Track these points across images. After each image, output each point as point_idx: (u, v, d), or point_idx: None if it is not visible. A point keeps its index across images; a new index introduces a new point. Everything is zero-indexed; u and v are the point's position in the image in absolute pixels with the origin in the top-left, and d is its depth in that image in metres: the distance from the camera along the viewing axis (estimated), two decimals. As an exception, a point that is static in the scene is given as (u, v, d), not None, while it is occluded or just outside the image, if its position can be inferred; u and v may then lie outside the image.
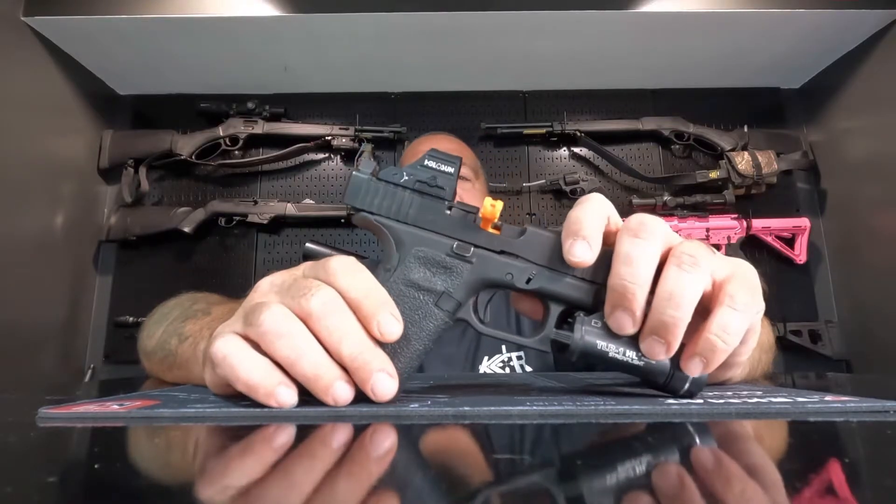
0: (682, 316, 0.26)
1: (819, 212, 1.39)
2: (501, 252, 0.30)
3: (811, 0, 1.12)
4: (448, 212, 0.30)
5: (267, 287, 0.29)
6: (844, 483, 0.15)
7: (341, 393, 0.25)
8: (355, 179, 0.30)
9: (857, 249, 1.26)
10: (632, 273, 0.27)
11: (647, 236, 0.27)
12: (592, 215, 0.29)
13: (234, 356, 0.26)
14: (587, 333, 0.28)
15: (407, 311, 0.28)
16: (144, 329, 0.53)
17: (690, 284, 0.26)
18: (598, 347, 0.28)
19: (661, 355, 0.27)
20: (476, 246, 0.30)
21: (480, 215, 0.30)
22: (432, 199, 0.30)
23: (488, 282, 0.30)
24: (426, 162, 0.30)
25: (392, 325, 0.26)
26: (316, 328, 0.26)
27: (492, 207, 0.29)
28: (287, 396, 0.25)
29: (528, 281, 0.29)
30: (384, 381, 0.25)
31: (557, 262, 0.29)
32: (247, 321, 0.26)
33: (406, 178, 0.30)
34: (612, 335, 0.28)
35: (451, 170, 0.30)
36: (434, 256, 0.29)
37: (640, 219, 0.28)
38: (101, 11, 1.12)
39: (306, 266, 0.29)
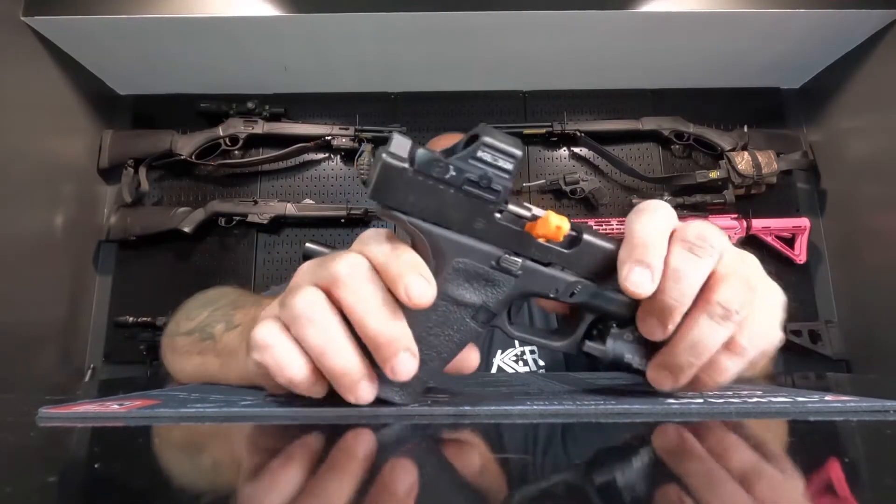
0: (699, 364, 0.26)
1: (819, 212, 1.39)
2: (549, 264, 0.27)
3: (811, 0, 1.12)
4: (498, 215, 0.25)
5: (307, 267, 0.28)
6: (844, 482, 0.15)
7: (364, 394, 0.25)
8: (388, 168, 0.23)
9: (857, 249, 1.26)
10: (679, 291, 0.25)
11: (703, 253, 0.25)
12: (658, 235, 0.26)
13: (275, 350, 0.25)
14: (618, 347, 0.28)
15: (438, 325, 0.26)
16: (183, 312, 0.50)
17: (716, 338, 0.26)
18: (626, 359, 0.28)
19: (666, 387, 0.27)
20: (525, 258, 0.26)
21: (540, 233, 0.25)
22: (482, 202, 0.25)
23: (531, 294, 0.27)
24: (479, 153, 0.24)
25: (422, 287, 0.23)
26: (341, 296, 0.24)
27: (556, 229, 0.25)
28: (320, 393, 0.25)
29: (572, 295, 0.27)
30: (406, 361, 0.24)
31: (606, 276, 0.27)
32: (282, 303, 0.26)
33: (453, 173, 0.24)
34: (639, 348, 0.28)
35: (509, 167, 0.24)
36: (477, 269, 0.26)
37: (699, 231, 0.26)
38: (101, 11, 1.12)
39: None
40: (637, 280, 0.25)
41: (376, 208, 0.25)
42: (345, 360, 0.24)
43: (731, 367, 0.26)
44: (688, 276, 0.25)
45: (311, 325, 0.24)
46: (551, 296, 0.27)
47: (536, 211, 0.26)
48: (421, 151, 0.24)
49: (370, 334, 0.24)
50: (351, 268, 0.25)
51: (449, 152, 0.25)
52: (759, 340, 0.27)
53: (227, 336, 0.39)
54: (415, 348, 0.24)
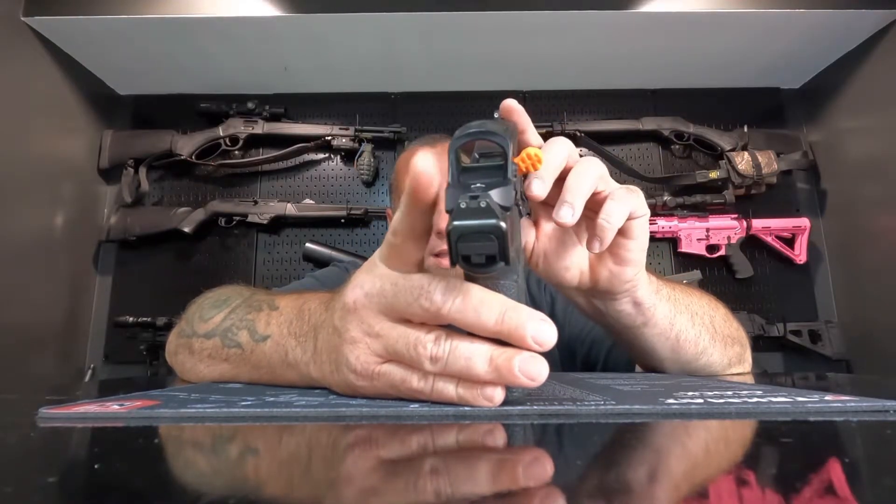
0: (584, 190, 0.33)
1: (819, 212, 1.39)
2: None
3: (811, 0, 1.12)
4: (514, 179, 0.30)
5: (365, 301, 0.27)
6: (844, 483, 0.15)
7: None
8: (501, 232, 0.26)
9: (857, 249, 1.26)
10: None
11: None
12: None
13: (405, 384, 0.27)
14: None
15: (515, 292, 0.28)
16: (195, 312, 0.49)
17: (592, 170, 0.35)
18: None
19: (566, 217, 0.31)
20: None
21: (522, 168, 0.31)
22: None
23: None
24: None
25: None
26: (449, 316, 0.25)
27: (535, 157, 0.31)
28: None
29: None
30: (541, 327, 0.24)
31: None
32: (410, 359, 0.26)
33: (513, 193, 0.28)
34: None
35: (502, 161, 0.29)
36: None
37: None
38: (101, 11, 1.12)
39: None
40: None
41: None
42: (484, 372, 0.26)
43: (616, 203, 0.35)
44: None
45: (453, 362, 0.26)
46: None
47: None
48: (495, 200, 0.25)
49: (493, 326, 0.25)
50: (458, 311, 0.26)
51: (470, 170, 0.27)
52: (626, 194, 0.36)
53: (258, 347, 0.39)
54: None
